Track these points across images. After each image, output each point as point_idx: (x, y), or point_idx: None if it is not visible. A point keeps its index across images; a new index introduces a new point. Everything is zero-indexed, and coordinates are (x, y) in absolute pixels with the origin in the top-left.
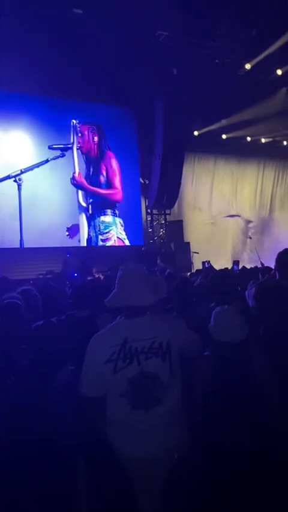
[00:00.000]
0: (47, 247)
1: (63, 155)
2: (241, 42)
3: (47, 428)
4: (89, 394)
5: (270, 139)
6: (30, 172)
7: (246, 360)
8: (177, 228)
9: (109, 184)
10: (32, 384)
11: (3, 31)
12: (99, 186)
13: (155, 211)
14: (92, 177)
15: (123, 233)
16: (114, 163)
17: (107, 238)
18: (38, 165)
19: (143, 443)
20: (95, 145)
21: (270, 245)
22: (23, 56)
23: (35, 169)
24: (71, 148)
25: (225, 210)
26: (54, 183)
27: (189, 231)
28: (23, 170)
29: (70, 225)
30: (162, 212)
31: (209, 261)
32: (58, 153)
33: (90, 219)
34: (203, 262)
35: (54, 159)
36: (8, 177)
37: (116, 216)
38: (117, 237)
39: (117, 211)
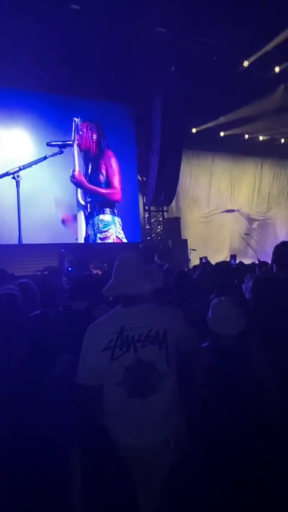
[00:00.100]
0: (46, 244)
1: (61, 152)
2: (239, 39)
3: (44, 418)
4: (87, 382)
5: (268, 137)
6: (28, 169)
7: (244, 351)
8: (174, 225)
9: (108, 184)
10: (29, 373)
11: (2, 28)
12: (99, 184)
13: (152, 208)
14: (91, 175)
15: (122, 232)
16: (114, 163)
17: (105, 237)
18: (36, 162)
19: (140, 431)
20: (94, 143)
21: (267, 242)
22: (22, 53)
23: (33, 166)
24: (71, 145)
25: (222, 207)
26: (52, 180)
27: (186, 228)
28: (21, 167)
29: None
30: (160, 209)
31: (206, 257)
32: (56, 150)
33: (89, 217)
34: (200, 258)
35: (52, 156)
36: (7, 174)
37: (115, 215)
38: (116, 236)
39: (116, 211)
